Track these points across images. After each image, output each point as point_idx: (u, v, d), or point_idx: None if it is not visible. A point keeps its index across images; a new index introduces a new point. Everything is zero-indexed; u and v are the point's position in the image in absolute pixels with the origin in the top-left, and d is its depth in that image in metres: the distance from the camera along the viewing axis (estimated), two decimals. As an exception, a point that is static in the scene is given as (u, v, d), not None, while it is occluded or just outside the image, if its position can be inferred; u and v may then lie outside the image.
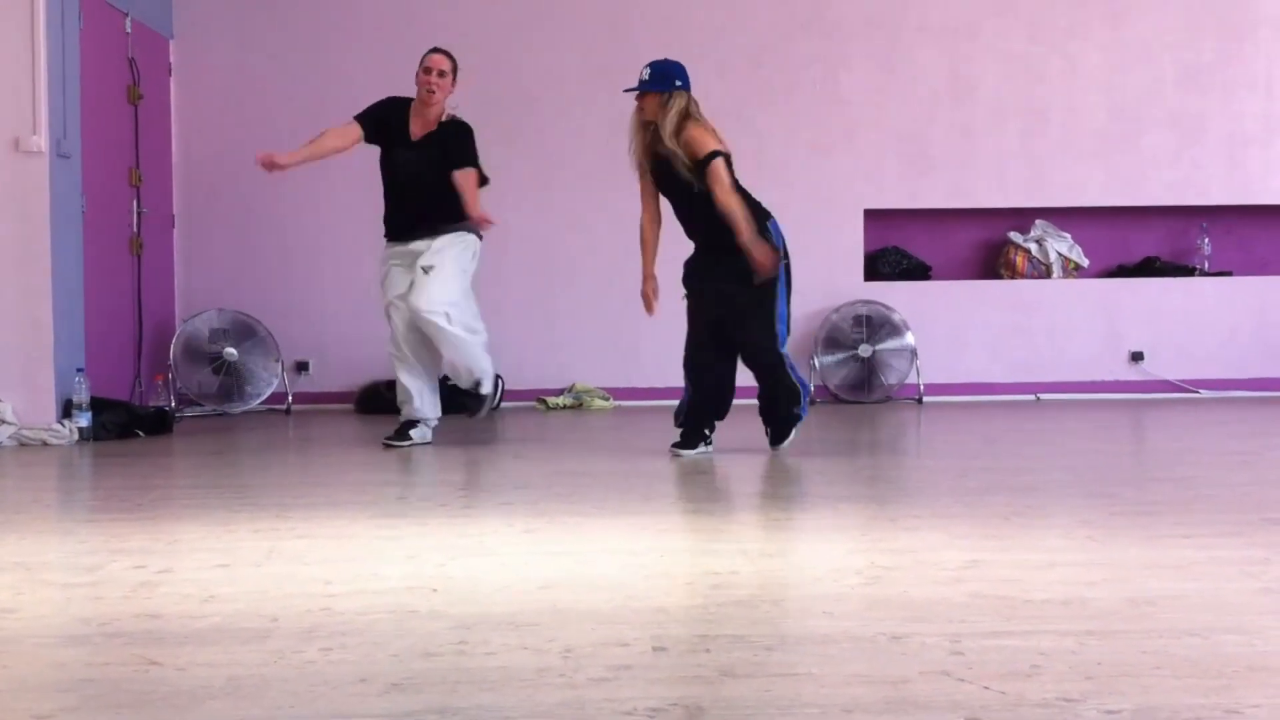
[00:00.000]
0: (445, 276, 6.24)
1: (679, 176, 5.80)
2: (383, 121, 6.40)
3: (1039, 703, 2.34)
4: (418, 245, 6.32)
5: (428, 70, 6.33)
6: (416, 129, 6.37)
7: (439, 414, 6.49)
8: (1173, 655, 2.64)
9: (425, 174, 6.30)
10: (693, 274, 5.95)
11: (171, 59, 8.84)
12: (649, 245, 5.99)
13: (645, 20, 8.90)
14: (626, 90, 5.95)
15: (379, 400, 8.17)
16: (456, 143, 6.37)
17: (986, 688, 2.42)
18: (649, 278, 5.95)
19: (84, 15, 7.36)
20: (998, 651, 2.66)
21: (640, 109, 5.87)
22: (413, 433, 6.35)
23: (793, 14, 9.02)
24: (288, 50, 8.88)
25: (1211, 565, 3.52)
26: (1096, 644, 2.71)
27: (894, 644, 2.72)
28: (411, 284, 6.26)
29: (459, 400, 6.62)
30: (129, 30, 8.11)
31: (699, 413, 5.97)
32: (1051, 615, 2.96)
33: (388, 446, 6.28)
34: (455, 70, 6.40)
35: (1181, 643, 2.73)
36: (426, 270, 6.24)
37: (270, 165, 6.32)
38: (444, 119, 6.38)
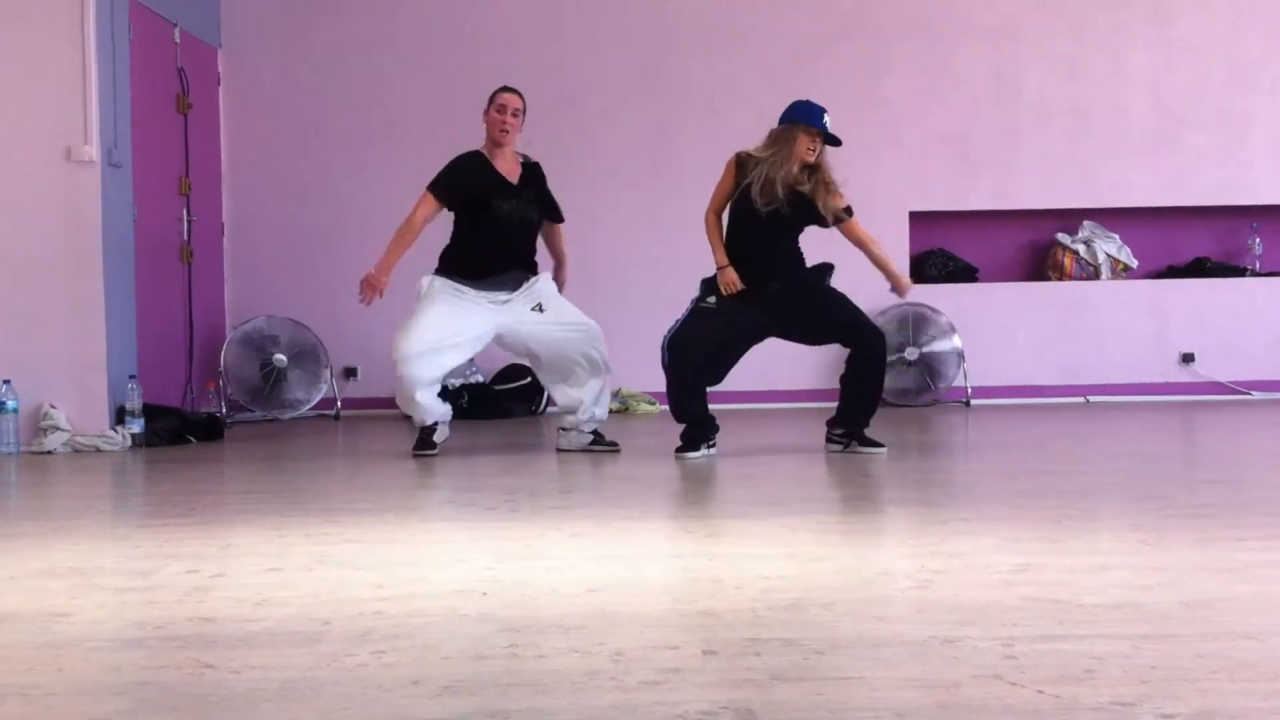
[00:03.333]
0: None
1: (800, 216, 5.97)
2: (469, 184, 6.22)
3: (1093, 707, 2.32)
4: (502, 293, 6.20)
5: (501, 109, 6.22)
6: (510, 174, 6.26)
7: (446, 406, 6.46)
8: (1228, 659, 2.61)
9: (530, 218, 6.27)
10: (760, 288, 5.97)
11: (220, 68, 8.93)
12: (720, 235, 6.04)
13: (686, 24, 8.91)
14: (819, 132, 5.94)
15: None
16: (547, 190, 6.38)
17: (1040, 692, 2.41)
18: (728, 266, 5.97)
19: (133, 26, 7.45)
20: (1051, 656, 2.64)
21: (813, 151, 5.92)
22: (435, 437, 6.34)
23: (834, 16, 9.00)
24: (334, 59, 8.95)
25: (1266, 568, 3.48)
26: (1151, 648, 2.69)
27: (946, 648, 2.71)
28: (503, 339, 6.23)
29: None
30: (178, 40, 8.20)
31: (698, 403, 6.01)
32: (1105, 619, 2.94)
33: (418, 457, 6.26)
34: (525, 110, 6.34)
35: (1237, 646, 2.70)
36: (539, 309, 6.19)
37: (376, 288, 6.23)
38: (522, 159, 6.34)
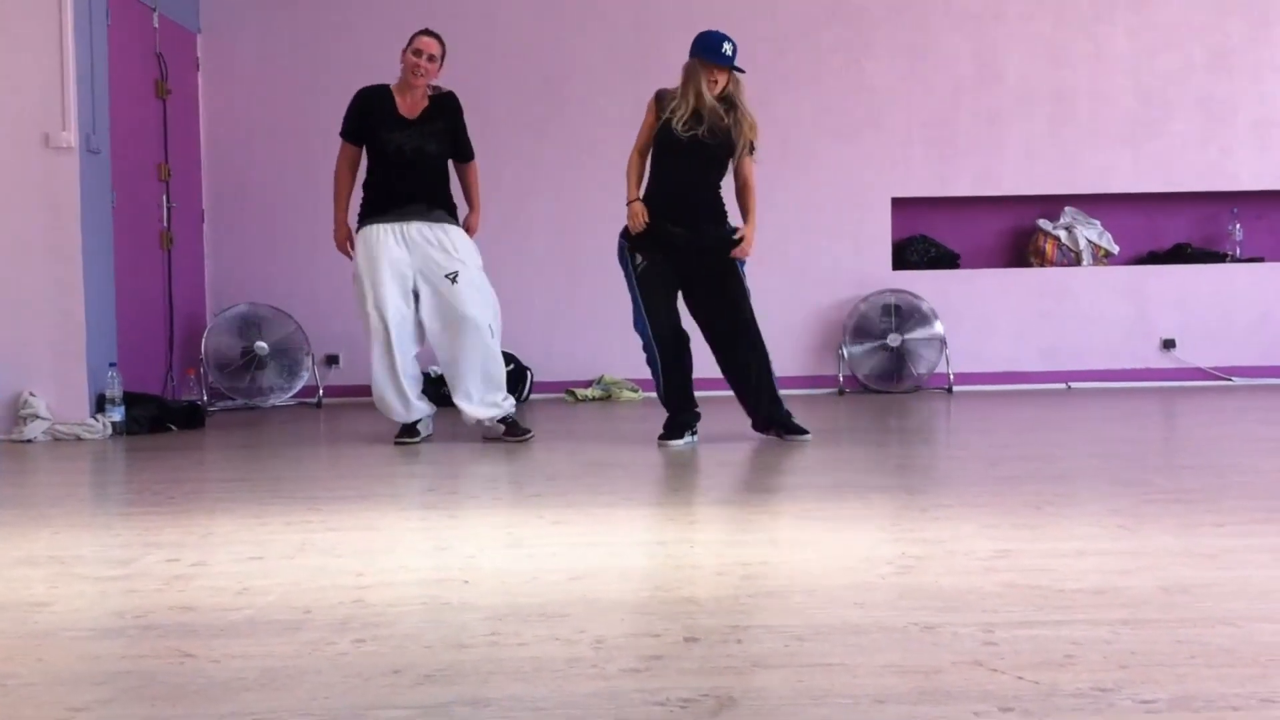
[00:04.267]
0: (482, 284, 6.26)
1: (726, 147, 5.91)
2: (364, 114, 6.28)
3: (1073, 693, 2.33)
4: (413, 228, 6.20)
5: (417, 53, 6.23)
6: (406, 108, 6.27)
7: (430, 407, 6.47)
8: (1207, 644, 2.62)
9: (424, 149, 6.22)
10: (664, 226, 5.94)
11: (199, 53, 8.88)
12: (639, 175, 6.06)
13: (670, 8, 8.88)
14: (711, 61, 5.88)
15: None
16: (458, 125, 6.35)
17: (1020, 678, 2.42)
18: (638, 203, 5.98)
19: (112, 11, 7.40)
20: (1030, 641, 2.65)
21: (715, 81, 5.89)
22: (418, 426, 6.35)
23: (817, 1, 8.98)
24: (314, 43, 8.91)
25: (1245, 553, 3.50)
26: (1130, 633, 2.70)
27: (926, 634, 2.72)
28: (419, 293, 6.21)
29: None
30: (156, 25, 8.15)
31: (681, 389, 6.01)
32: (1084, 604, 2.95)
33: (400, 445, 6.27)
34: (444, 55, 6.32)
35: (1216, 631, 2.71)
36: (453, 278, 6.19)
37: (342, 246, 6.37)
38: (432, 93, 6.32)
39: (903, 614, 2.89)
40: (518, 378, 8.47)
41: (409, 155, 6.21)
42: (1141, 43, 9.03)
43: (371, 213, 6.28)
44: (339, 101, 8.85)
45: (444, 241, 6.22)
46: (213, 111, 8.93)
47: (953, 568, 3.35)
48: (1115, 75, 9.03)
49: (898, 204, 9.06)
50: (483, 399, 6.29)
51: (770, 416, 6.07)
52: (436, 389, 7.08)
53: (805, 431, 6.05)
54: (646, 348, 6.07)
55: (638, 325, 6.07)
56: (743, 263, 6.04)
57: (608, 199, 8.94)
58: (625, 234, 6.07)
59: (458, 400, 6.31)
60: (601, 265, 8.96)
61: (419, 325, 6.29)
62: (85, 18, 6.96)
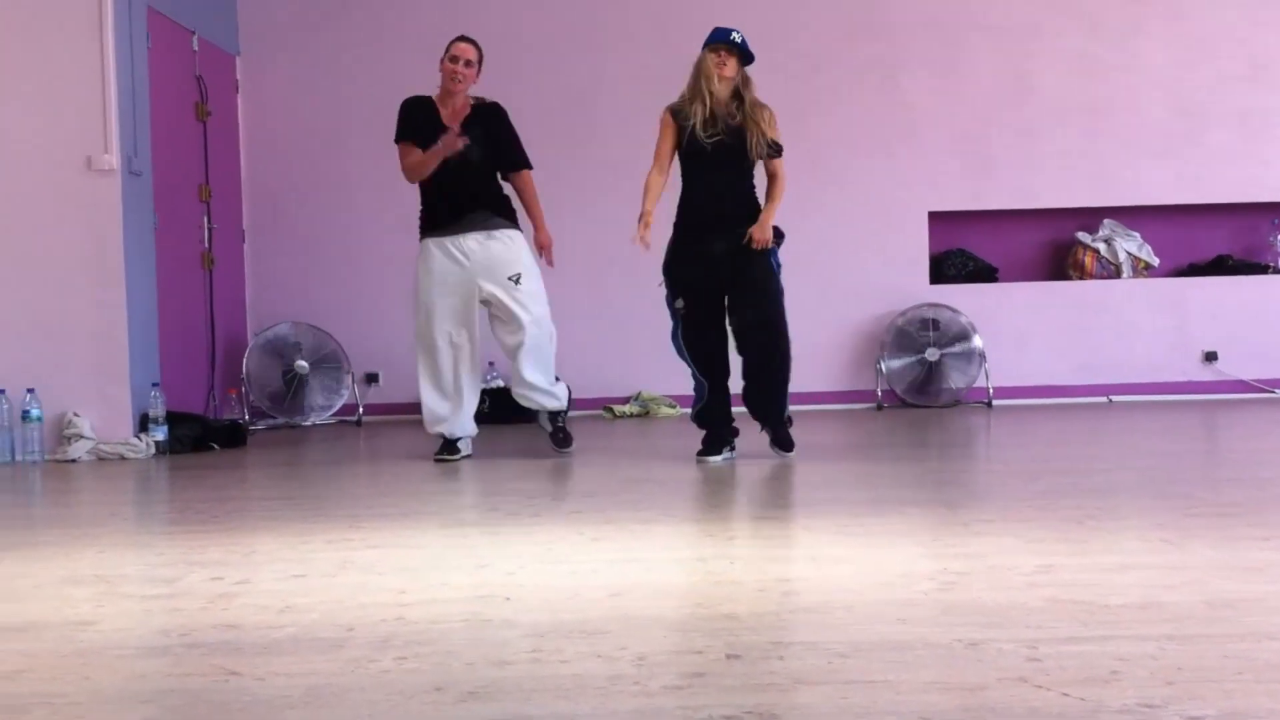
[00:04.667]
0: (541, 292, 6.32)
1: (744, 147, 5.86)
2: (414, 124, 6.30)
3: (1119, 709, 2.31)
4: (471, 240, 6.24)
5: (454, 59, 6.27)
6: (448, 118, 6.29)
7: (473, 428, 6.49)
8: (1254, 659, 2.60)
9: (468, 155, 6.20)
10: (702, 244, 5.90)
11: (238, 75, 8.97)
12: (657, 193, 5.98)
13: (700, 25, 8.84)
14: (716, 39, 5.88)
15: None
16: (506, 133, 6.35)
17: (1065, 694, 2.40)
18: (650, 216, 5.92)
19: (152, 35, 7.48)
20: (1075, 657, 2.63)
21: (722, 64, 5.87)
22: (459, 444, 6.37)
23: (850, 17, 8.99)
24: (351, 64, 8.98)
25: (1291, 567, 3.46)
26: (1176, 649, 2.68)
27: (970, 650, 2.70)
28: (486, 299, 6.25)
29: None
30: (196, 48, 8.24)
31: (719, 407, 5.99)
32: (1129, 620, 2.93)
33: (440, 462, 6.29)
34: (481, 60, 6.36)
35: (1263, 646, 2.69)
36: (516, 280, 6.24)
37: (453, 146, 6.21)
38: (474, 102, 6.35)
39: (945, 630, 2.87)
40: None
41: (453, 164, 6.21)
42: (1177, 54, 8.98)
43: (430, 227, 6.33)
44: (376, 121, 8.93)
45: (504, 247, 6.27)
46: (252, 132, 9.01)
47: (995, 583, 3.33)
48: (1152, 87, 8.98)
49: (934, 218, 9.03)
50: (542, 388, 6.34)
51: (764, 417, 6.00)
52: (496, 400, 7.08)
53: (789, 449, 5.97)
54: (692, 371, 6.06)
55: (678, 348, 6.05)
56: (778, 265, 5.96)
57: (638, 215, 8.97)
58: (666, 269, 6.02)
59: (517, 391, 6.37)
60: (636, 282, 8.96)
61: (476, 342, 6.32)
62: (126, 41, 7.04)
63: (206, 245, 8.32)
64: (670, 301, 6.01)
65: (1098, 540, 3.89)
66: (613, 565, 3.72)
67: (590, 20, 8.99)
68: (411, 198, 8.72)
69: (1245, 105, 8.96)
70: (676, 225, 6.02)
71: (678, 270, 5.97)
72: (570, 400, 6.58)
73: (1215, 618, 2.94)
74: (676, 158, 6.03)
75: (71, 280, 6.90)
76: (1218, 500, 4.66)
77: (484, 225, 6.26)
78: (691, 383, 6.09)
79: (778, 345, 5.94)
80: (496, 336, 6.38)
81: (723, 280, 5.93)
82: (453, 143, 6.12)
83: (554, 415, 6.48)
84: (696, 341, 5.98)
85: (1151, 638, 2.76)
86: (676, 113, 5.98)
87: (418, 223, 6.44)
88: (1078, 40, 9.00)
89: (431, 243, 6.29)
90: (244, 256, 8.99)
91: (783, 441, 6.01)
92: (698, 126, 5.87)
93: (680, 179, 6.04)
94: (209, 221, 8.35)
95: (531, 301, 6.27)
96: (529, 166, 6.45)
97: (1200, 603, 3.07)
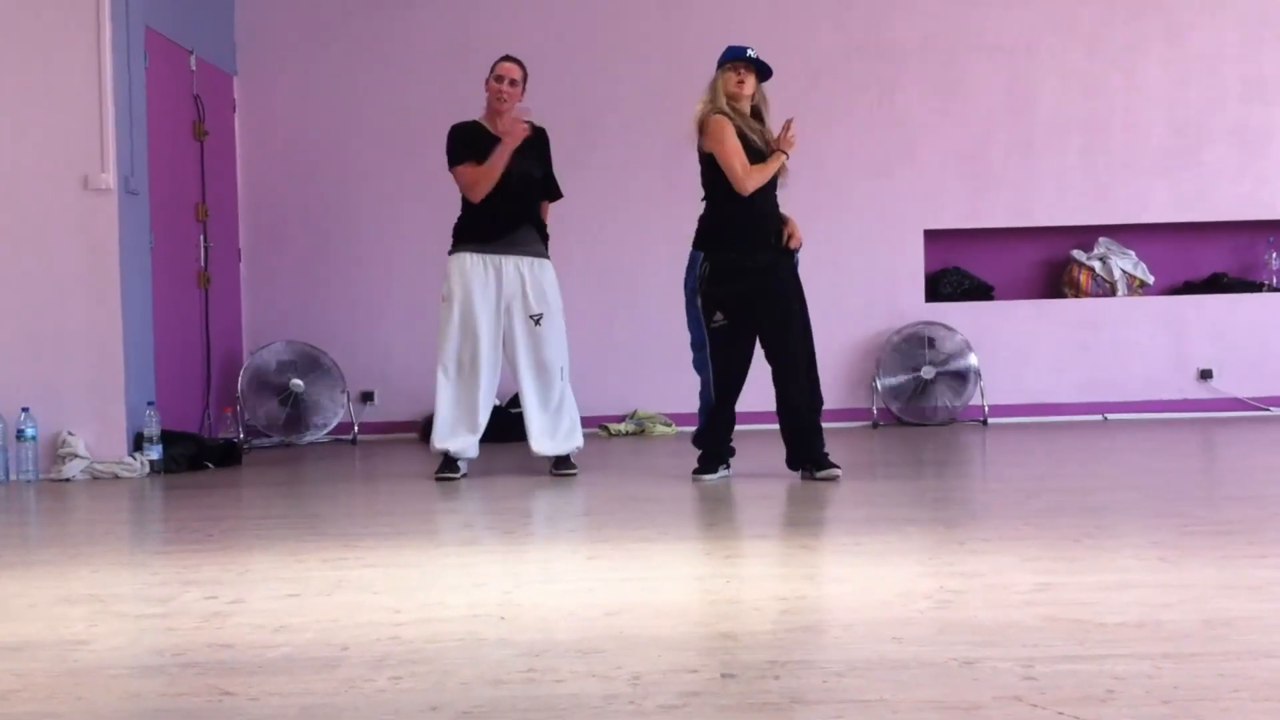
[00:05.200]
0: (561, 326, 6.34)
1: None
2: (470, 146, 6.27)
3: (1115, 727, 2.31)
4: (509, 264, 6.24)
5: (499, 79, 6.29)
6: (500, 135, 6.26)
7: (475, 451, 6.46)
8: (1251, 678, 2.59)
9: (530, 173, 6.26)
10: (747, 257, 5.87)
11: (235, 95, 8.98)
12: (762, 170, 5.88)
13: (701, 46, 8.90)
14: (734, 59, 5.90)
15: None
16: (548, 159, 6.39)
17: (1061, 713, 2.39)
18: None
19: (150, 54, 7.49)
20: (1072, 676, 2.62)
21: (741, 81, 5.89)
22: (459, 463, 6.36)
23: (849, 36, 9.01)
24: (349, 84, 8.99)
25: (1288, 585, 3.46)
26: (1173, 667, 2.67)
27: (966, 669, 2.70)
28: (504, 328, 6.26)
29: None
30: (194, 68, 8.25)
31: (724, 426, 5.98)
32: (1126, 638, 2.92)
33: (441, 480, 6.26)
34: (525, 79, 6.39)
35: (1260, 665, 2.68)
36: (538, 320, 6.25)
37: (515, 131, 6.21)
38: (529, 123, 6.33)
39: (942, 649, 2.87)
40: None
41: (515, 180, 6.23)
42: (1174, 73, 9.00)
43: (469, 239, 6.27)
44: (374, 142, 8.98)
45: (537, 281, 6.27)
46: (249, 152, 9.02)
47: (992, 601, 3.32)
48: (1148, 105, 9.00)
49: (930, 236, 9.05)
50: (551, 439, 6.33)
51: (806, 452, 5.94)
52: (501, 417, 7.07)
53: (835, 466, 5.90)
54: (704, 392, 5.99)
55: (699, 367, 5.99)
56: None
57: (641, 235, 8.99)
58: (703, 282, 5.90)
59: (531, 437, 6.34)
60: (634, 300, 9.00)
61: (499, 365, 6.32)
62: (124, 61, 7.05)
63: (203, 264, 8.32)
64: (706, 318, 5.90)
65: (1094, 558, 3.88)
66: (609, 584, 3.72)
67: (592, 40, 9.01)
68: (408, 217, 8.78)
69: (1242, 124, 8.98)
70: (709, 241, 5.94)
71: (718, 286, 5.88)
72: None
73: (1212, 636, 2.93)
74: (705, 171, 5.96)
75: (67, 299, 6.90)
76: (1214, 518, 4.65)
77: (525, 249, 6.28)
78: (698, 403, 6.05)
79: (809, 378, 5.91)
80: (507, 360, 6.37)
81: (762, 292, 5.89)
82: (517, 130, 6.13)
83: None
84: (727, 356, 5.90)
85: (1148, 656, 2.76)
86: (725, 112, 5.88)
87: (453, 231, 6.38)
88: (1075, 59, 9.02)
89: (469, 256, 6.25)
90: (240, 275, 8.99)
91: (826, 464, 5.87)
92: (728, 127, 5.84)
93: (712, 195, 5.97)
94: (205, 240, 8.35)
95: (544, 345, 6.28)
96: (560, 197, 6.50)
97: (1198, 621, 3.07)
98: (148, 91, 7.42)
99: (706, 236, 5.96)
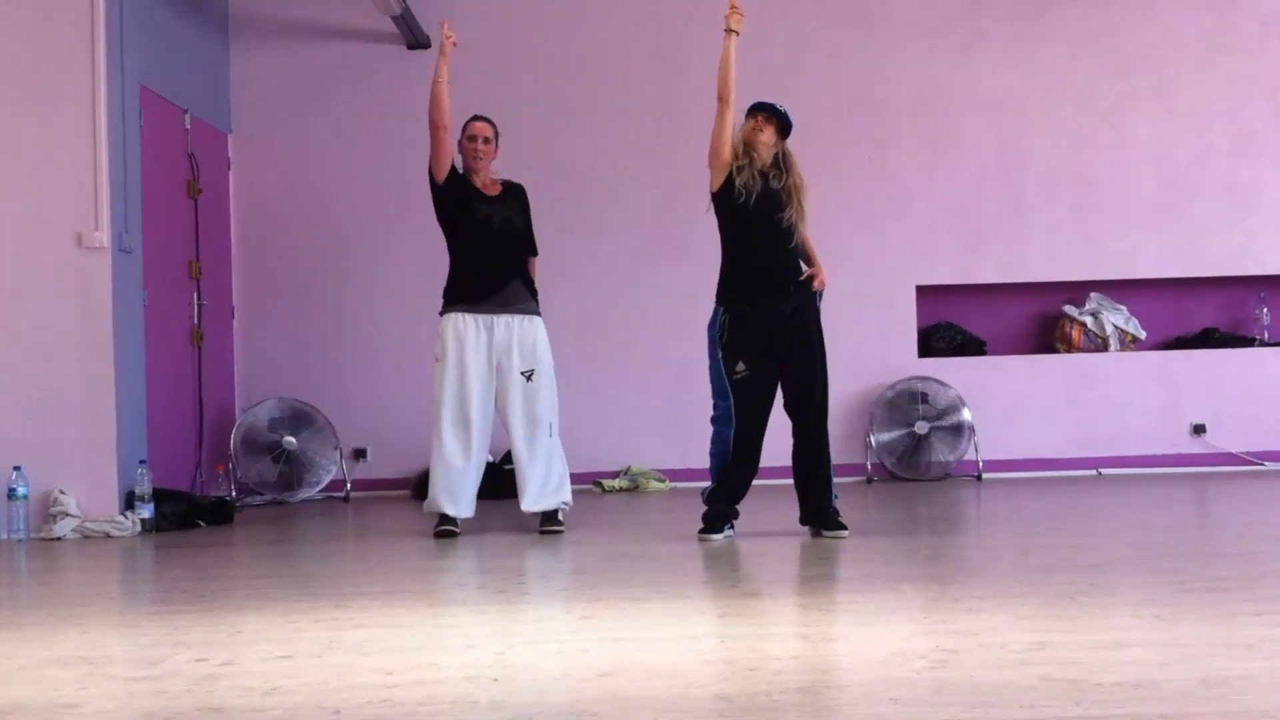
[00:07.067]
0: (552, 381, 6.37)
1: (785, 210, 5.91)
2: (456, 184, 6.37)
3: (1113, 791, 2.29)
4: (500, 324, 6.27)
5: (472, 138, 6.41)
6: (483, 187, 6.40)
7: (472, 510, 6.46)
8: (1249, 739, 2.58)
9: (514, 222, 6.35)
10: (768, 307, 5.89)
11: (230, 153, 9.02)
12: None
13: (692, 101, 8.95)
14: (756, 108, 5.98)
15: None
16: (528, 213, 6.47)
17: (1058, 775, 2.37)
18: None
19: (144, 112, 7.53)
20: (1068, 737, 2.61)
21: (759, 129, 5.96)
22: (461, 521, 6.34)
23: (840, 92, 9.08)
24: (343, 143, 9.04)
25: (1285, 644, 3.44)
26: (1170, 728, 2.66)
27: (962, 730, 2.68)
28: (495, 386, 6.28)
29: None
30: (188, 126, 8.29)
31: (741, 487, 5.96)
32: (1122, 698, 2.90)
33: (440, 537, 6.25)
34: (497, 136, 6.49)
35: (1258, 725, 2.67)
36: (529, 376, 6.28)
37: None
38: (503, 182, 6.47)
39: (938, 709, 2.85)
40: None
41: (497, 226, 6.31)
42: (1163, 129, 9.07)
43: (460, 300, 6.32)
44: (367, 201, 9.01)
45: (528, 338, 6.32)
46: (243, 210, 9.05)
47: (988, 661, 3.30)
48: (1138, 161, 9.06)
49: (923, 291, 9.07)
50: (540, 495, 6.34)
51: (818, 507, 5.93)
52: (494, 474, 7.06)
53: (844, 527, 5.88)
54: (716, 449, 5.95)
55: (721, 420, 5.93)
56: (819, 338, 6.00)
57: (630, 289, 9.01)
58: (723, 333, 5.89)
59: (521, 496, 6.35)
60: (626, 355, 9.00)
61: (490, 422, 6.34)
62: (118, 118, 7.08)
63: (196, 321, 8.32)
64: (728, 371, 5.87)
65: (1090, 616, 3.86)
66: (603, 644, 3.69)
67: (589, 94, 9.07)
68: (401, 275, 8.80)
69: (1231, 179, 9.05)
70: (727, 293, 5.95)
71: (738, 337, 5.87)
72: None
73: (1209, 695, 2.92)
74: (720, 205, 5.99)
75: (60, 356, 6.89)
76: (1209, 575, 4.64)
77: (516, 307, 6.33)
78: (709, 461, 6.00)
79: (821, 432, 5.92)
80: (499, 416, 6.39)
81: (786, 341, 5.91)
82: (446, 44, 6.34)
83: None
84: (748, 409, 5.87)
85: (1145, 716, 2.74)
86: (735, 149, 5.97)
87: (443, 294, 6.41)
88: (1065, 115, 9.08)
89: (460, 316, 6.29)
90: (234, 333, 8.98)
91: (835, 524, 5.87)
92: (738, 183, 5.88)
93: (724, 246, 6.01)
94: (199, 298, 8.36)
95: (536, 400, 6.31)
96: (536, 253, 6.56)
97: (1195, 680, 3.05)
98: (142, 150, 7.45)
99: (724, 289, 5.99)
